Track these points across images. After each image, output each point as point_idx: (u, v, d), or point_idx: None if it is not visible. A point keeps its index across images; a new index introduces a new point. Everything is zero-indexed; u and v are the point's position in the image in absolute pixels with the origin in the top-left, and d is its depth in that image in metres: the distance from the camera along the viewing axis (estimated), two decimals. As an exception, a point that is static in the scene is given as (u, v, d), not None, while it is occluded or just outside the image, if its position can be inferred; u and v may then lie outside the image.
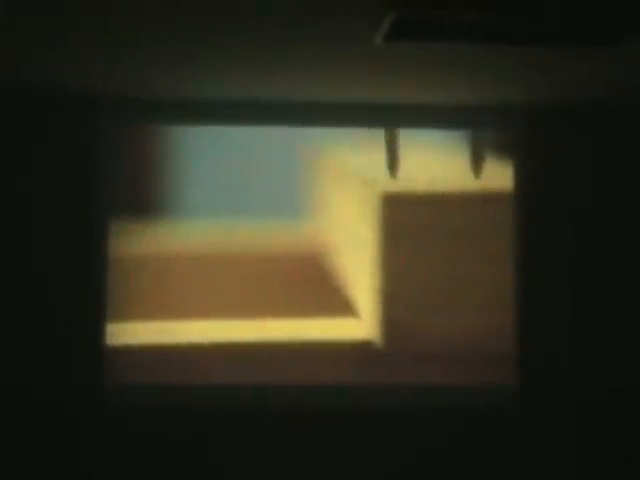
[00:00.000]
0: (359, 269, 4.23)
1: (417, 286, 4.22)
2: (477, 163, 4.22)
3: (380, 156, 4.22)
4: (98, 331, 4.03)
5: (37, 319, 3.99)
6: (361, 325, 4.22)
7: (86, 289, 4.02)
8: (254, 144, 4.13)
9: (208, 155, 4.11)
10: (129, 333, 4.12)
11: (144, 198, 4.09)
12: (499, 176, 4.27)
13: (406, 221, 4.23)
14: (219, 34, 3.00)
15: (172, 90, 3.88)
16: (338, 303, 4.20)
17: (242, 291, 4.16)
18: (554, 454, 4.17)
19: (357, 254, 4.23)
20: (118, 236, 4.14)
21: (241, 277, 4.16)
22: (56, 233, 4.02)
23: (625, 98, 4.01)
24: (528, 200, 4.18)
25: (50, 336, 4.00)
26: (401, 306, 4.21)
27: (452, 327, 4.22)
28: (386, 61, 3.32)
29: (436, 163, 4.23)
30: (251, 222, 4.14)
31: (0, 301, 3.98)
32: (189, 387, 4.12)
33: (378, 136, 4.21)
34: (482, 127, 4.22)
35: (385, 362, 4.19)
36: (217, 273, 4.14)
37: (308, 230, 4.18)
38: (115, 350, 4.10)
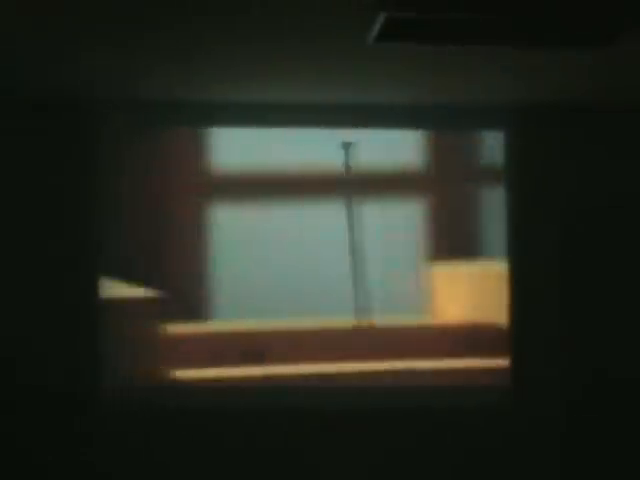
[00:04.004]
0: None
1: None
2: None
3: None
4: (96, 334, 4.04)
5: (34, 321, 4.01)
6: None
7: (84, 292, 4.04)
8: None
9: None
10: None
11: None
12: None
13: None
14: (215, 37, 3.01)
15: (169, 92, 3.89)
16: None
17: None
18: (544, 452, 4.19)
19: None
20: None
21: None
22: (53, 237, 4.03)
23: (616, 99, 4.03)
24: (520, 198, 4.21)
25: (47, 338, 4.02)
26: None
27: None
28: (378, 62, 3.32)
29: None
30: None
31: (0, 305, 4.01)
32: (186, 388, 4.12)
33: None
34: (474, 127, 4.24)
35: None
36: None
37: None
38: (113, 353, 4.09)
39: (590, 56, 3.26)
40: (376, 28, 2.80)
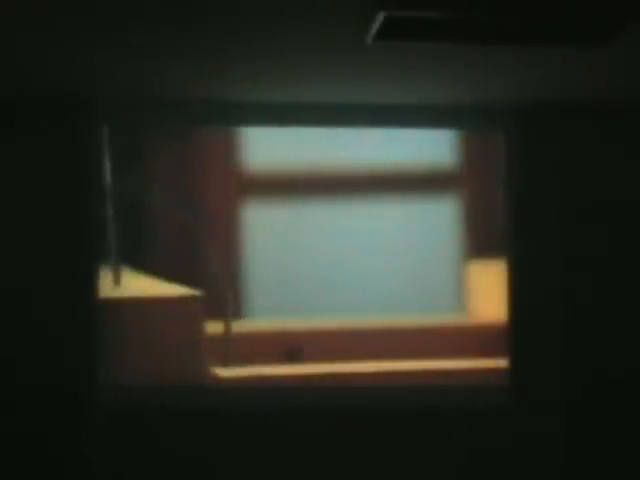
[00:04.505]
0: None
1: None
2: None
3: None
4: (94, 333, 4.04)
5: (32, 321, 4.01)
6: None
7: (82, 291, 4.04)
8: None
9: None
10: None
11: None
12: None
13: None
14: (213, 35, 3.01)
15: (168, 91, 3.89)
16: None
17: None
18: (544, 452, 4.19)
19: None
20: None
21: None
22: (52, 237, 4.03)
23: (616, 99, 4.03)
24: (518, 199, 4.20)
25: (45, 338, 4.01)
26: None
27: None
28: (376, 61, 3.32)
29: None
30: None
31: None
32: (185, 388, 4.11)
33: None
34: (472, 127, 4.23)
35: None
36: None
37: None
38: (110, 352, 4.10)
39: (590, 56, 3.26)
40: (375, 27, 2.80)
